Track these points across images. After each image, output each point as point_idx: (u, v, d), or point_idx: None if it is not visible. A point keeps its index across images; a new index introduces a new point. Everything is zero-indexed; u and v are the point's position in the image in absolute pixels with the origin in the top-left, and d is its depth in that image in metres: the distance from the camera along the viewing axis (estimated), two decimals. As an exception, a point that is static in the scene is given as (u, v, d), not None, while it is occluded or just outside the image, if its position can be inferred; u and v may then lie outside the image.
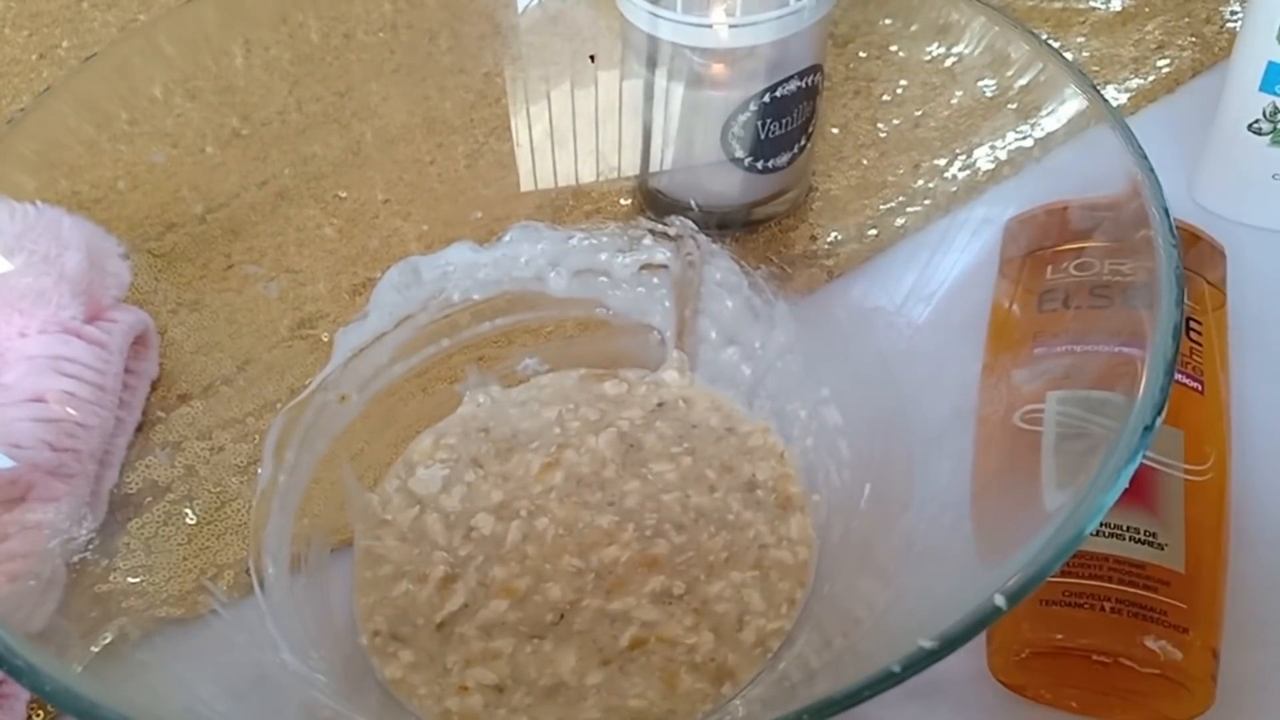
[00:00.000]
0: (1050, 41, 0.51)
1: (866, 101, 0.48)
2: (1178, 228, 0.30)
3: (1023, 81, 0.37)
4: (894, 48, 0.45)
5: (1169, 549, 0.33)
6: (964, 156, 0.41)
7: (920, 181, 0.43)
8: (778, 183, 0.45)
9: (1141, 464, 0.25)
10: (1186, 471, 0.34)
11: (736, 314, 0.42)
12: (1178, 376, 0.36)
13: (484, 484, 0.40)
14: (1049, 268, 0.37)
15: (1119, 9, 0.56)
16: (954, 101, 0.42)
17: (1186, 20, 0.55)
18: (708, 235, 0.43)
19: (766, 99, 0.42)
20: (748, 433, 0.41)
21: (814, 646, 0.34)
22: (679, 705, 0.34)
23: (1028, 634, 0.32)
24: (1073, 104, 0.34)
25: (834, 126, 0.48)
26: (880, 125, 0.47)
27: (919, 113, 0.44)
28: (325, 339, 0.42)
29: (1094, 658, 0.32)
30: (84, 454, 0.36)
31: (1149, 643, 0.31)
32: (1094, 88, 0.34)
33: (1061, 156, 0.36)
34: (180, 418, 0.39)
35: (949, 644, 0.23)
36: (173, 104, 0.40)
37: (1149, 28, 0.55)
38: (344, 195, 0.45)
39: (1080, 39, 0.55)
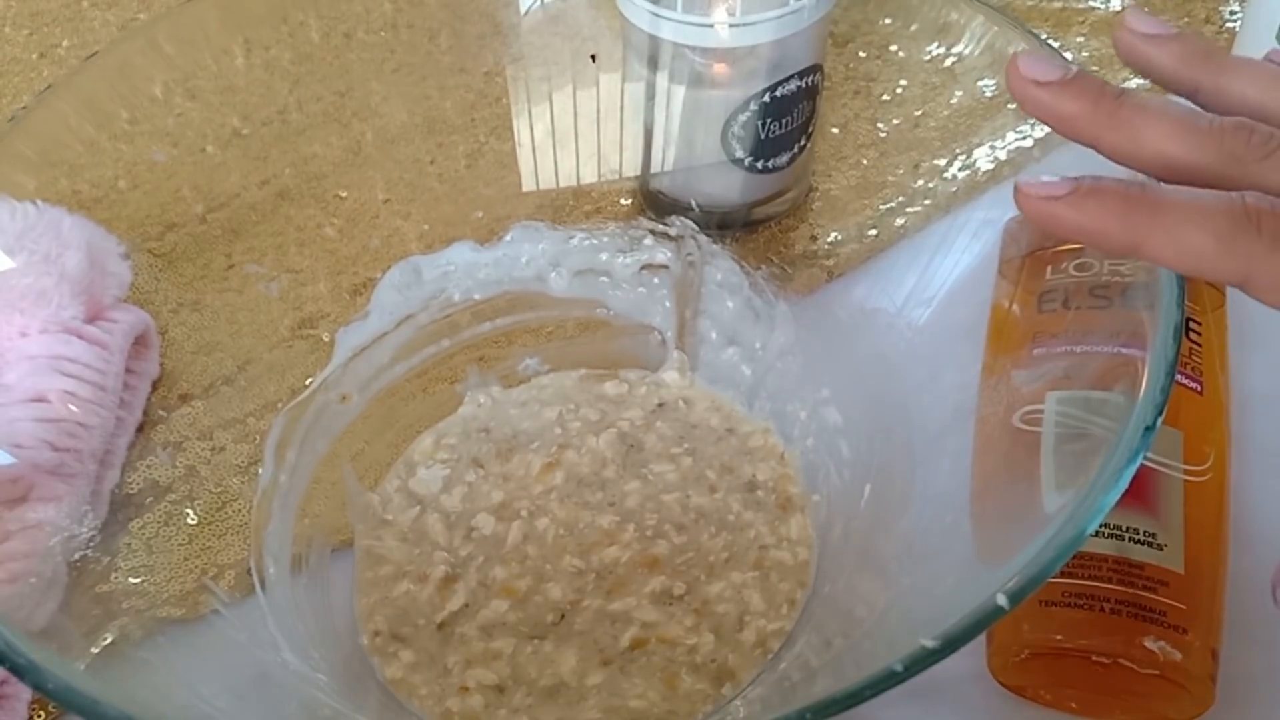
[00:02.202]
0: (1050, 41, 0.51)
1: (866, 101, 0.48)
2: (1178, 228, 0.30)
3: (1023, 82, 0.37)
4: (894, 47, 0.45)
5: (1168, 549, 0.33)
6: (964, 156, 0.41)
7: (920, 181, 0.43)
8: (778, 183, 0.45)
9: (1141, 464, 0.26)
10: (1186, 472, 0.34)
11: (737, 314, 0.42)
12: (1177, 377, 0.36)
13: (484, 484, 0.40)
14: (1048, 268, 0.37)
15: (1119, 9, 0.56)
16: (954, 101, 0.42)
17: (1186, 20, 0.55)
18: (708, 235, 0.43)
19: (767, 99, 0.42)
20: (748, 433, 0.41)
21: (814, 647, 0.34)
22: (679, 706, 0.34)
23: (1027, 635, 0.32)
24: (1073, 105, 0.34)
25: (834, 126, 0.48)
26: (880, 125, 0.47)
27: (919, 113, 0.44)
28: (326, 339, 0.42)
29: (1093, 658, 0.32)
30: (85, 454, 0.36)
31: (1148, 643, 0.31)
32: (1094, 88, 0.34)
33: (1061, 157, 0.36)
34: (181, 418, 0.39)
35: (951, 643, 0.23)
36: (173, 103, 0.40)
37: (1149, 28, 0.55)
38: (344, 195, 0.45)
39: (1080, 38, 0.55)
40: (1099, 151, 0.27)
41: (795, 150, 0.44)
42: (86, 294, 0.37)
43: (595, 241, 0.44)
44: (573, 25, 0.45)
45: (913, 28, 0.42)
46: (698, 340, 0.43)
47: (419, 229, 0.44)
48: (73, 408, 0.36)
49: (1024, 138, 0.38)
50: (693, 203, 0.45)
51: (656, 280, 0.44)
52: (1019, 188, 0.26)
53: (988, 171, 0.41)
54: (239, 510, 0.38)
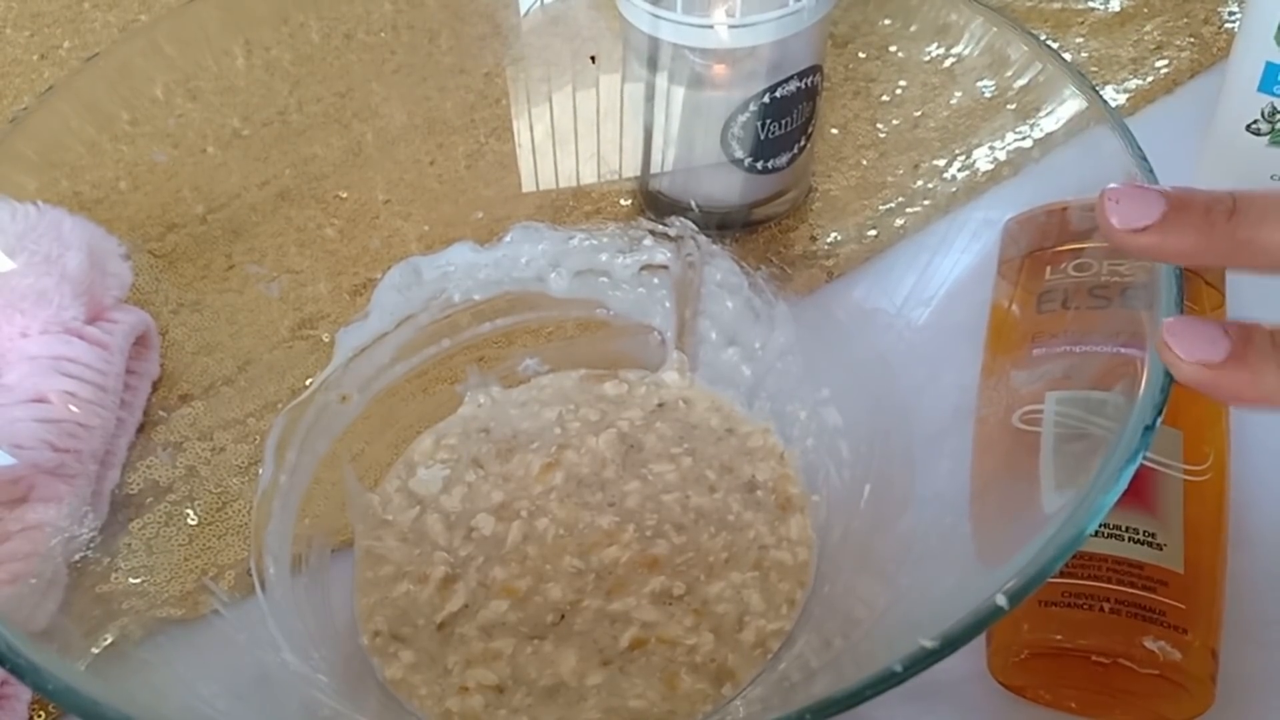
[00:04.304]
0: (1049, 42, 0.51)
1: (866, 102, 0.48)
2: (1177, 228, 0.30)
3: (1022, 82, 0.37)
4: (893, 48, 0.45)
5: (1168, 549, 0.33)
6: (963, 157, 0.41)
7: (920, 182, 0.43)
8: (778, 183, 0.45)
9: (1141, 464, 0.26)
10: (1185, 472, 0.34)
11: (737, 315, 0.43)
12: (1177, 377, 0.36)
13: (484, 484, 0.40)
14: (1048, 268, 0.37)
15: (1118, 9, 0.56)
16: (953, 102, 0.42)
17: (1185, 21, 0.55)
18: (708, 236, 0.43)
19: (766, 99, 0.42)
20: (748, 433, 0.41)
21: (814, 647, 0.34)
22: (679, 706, 0.34)
23: (1027, 635, 0.32)
24: (1072, 104, 0.34)
25: (834, 127, 0.48)
26: (880, 126, 0.47)
27: (918, 113, 0.44)
28: (326, 339, 0.42)
29: (1093, 658, 0.32)
30: (85, 454, 0.36)
31: (1148, 643, 0.31)
32: (1093, 88, 0.34)
33: (1060, 157, 0.36)
34: (181, 418, 0.39)
35: (950, 643, 0.23)
36: (174, 104, 0.40)
37: (1148, 28, 0.55)
38: (345, 195, 0.45)
39: (1079, 39, 0.55)
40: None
41: (795, 151, 0.45)
42: (87, 295, 0.38)
43: (595, 242, 0.44)
44: (572, 26, 0.45)
45: (912, 29, 0.42)
46: (697, 340, 0.43)
47: (419, 229, 0.44)
48: (73, 408, 0.36)
49: (1023, 138, 0.38)
50: (692, 203, 0.45)
51: (656, 280, 0.44)
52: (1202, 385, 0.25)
53: (987, 172, 0.41)
54: (239, 510, 0.38)
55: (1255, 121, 0.45)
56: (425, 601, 0.37)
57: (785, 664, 0.34)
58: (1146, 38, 0.55)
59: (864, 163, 0.47)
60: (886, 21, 0.44)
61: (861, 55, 0.50)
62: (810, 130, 0.45)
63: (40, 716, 0.35)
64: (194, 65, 0.41)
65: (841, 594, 0.35)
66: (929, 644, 0.23)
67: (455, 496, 0.40)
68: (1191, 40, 0.54)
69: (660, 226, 0.44)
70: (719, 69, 0.42)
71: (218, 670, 0.33)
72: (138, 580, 0.35)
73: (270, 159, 0.44)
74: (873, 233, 0.44)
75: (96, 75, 0.38)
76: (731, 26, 0.41)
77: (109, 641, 0.31)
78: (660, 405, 0.42)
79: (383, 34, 0.45)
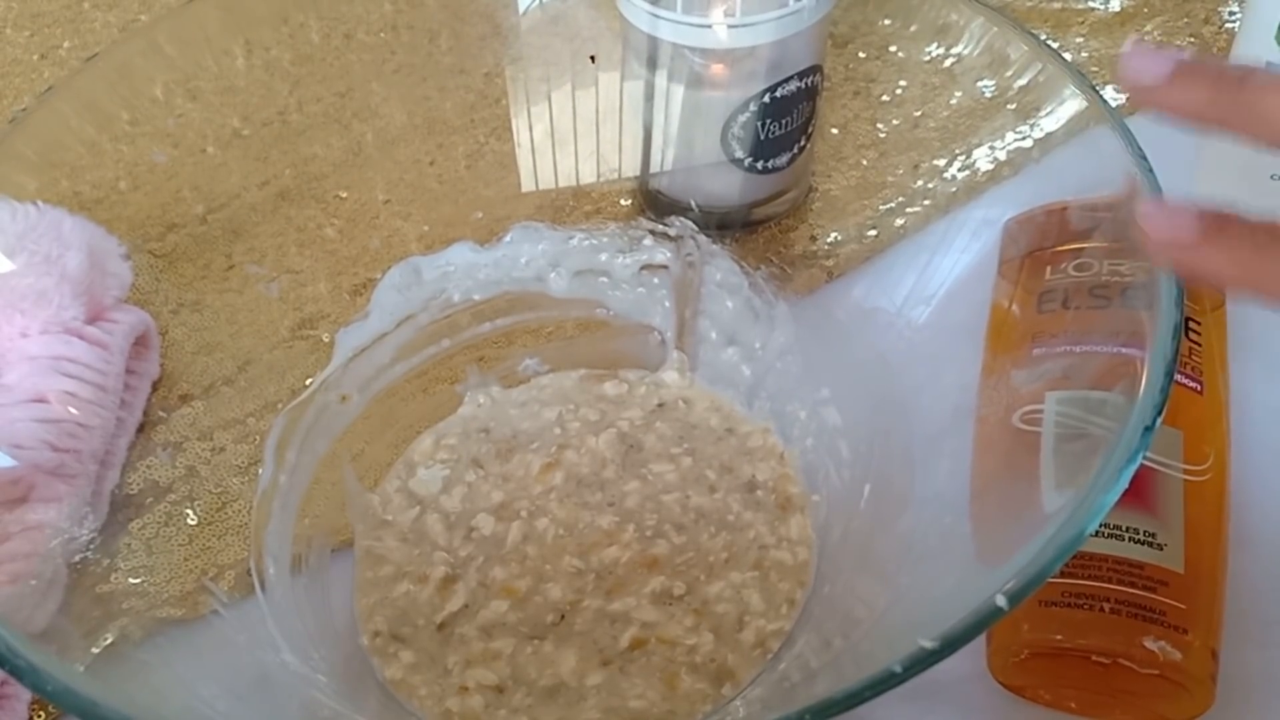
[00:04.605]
0: (1049, 42, 0.51)
1: (866, 102, 0.48)
2: (1177, 228, 0.30)
3: (1022, 82, 0.37)
4: (893, 48, 0.45)
5: (1168, 549, 0.33)
6: (963, 157, 0.41)
7: (920, 182, 0.43)
8: (778, 183, 0.45)
9: (1141, 464, 0.26)
10: (1186, 472, 0.34)
11: (736, 314, 0.43)
12: (1177, 377, 0.36)
13: (484, 484, 0.40)
14: (1048, 268, 0.37)
15: (1118, 9, 0.56)
16: (953, 102, 0.42)
17: (1185, 21, 0.55)
18: (708, 236, 0.43)
19: (766, 99, 0.42)
20: (747, 433, 0.41)
21: (814, 647, 0.34)
22: (679, 706, 0.34)
23: (1027, 635, 0.32)
24: (1072, 104, 0.34)
25: (834, 127, 0.48)
26: (880, 125, 0.47)
27: (918, 113, 0.44)
28: (326, 339, 0.42)
29: (1093, 658, 0.32)
30: (85, 454, 0.36)
31: (1148, 643, 0.31)
32: (1093, 88, 0.34)
33: (1061, 157, 0.36)
34: (181, 418, 0.39)
35: (950, 644, 0.23)
36: (174, 104, 0.40)
37: (1148, 28, 0.55)
38: (344, 195, 0.45)
39: (1079, 39, 0.55)
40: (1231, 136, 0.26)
41: (795, 151, 0.45)
42: (87, 295, 0.38)
43: (595, 242, 0.44)
44: (572, 26, 0.45)
45: (912, 28, 0.42)
46: (697, 340, 0.43)
47: (419, 229, 0.44)
48: (73, 409, 0.36)
49: (1023, 138, 0.38)
50: (692, 203, 0.45)
51: (656, 280, 0.44)
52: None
53: (987, 172, 0.41)
54: (239, 510, 0.38)
55: (1255, 121, 0.44)
56: (425, 601, 0.37)
57: (785, 664, 0.34)
58: (1147, 38, 0.55)
59: (864, 163, 0.47)
60: (886, 21, 0.44)
61: (861, 55, 0.50)
62: (810, 130, 0.45)
63: (40, 717, 0.35)
64: (194, 65, 0.41)
65: (841, 594, 0.35)
66: (929, 644, 0.23)
67: (455, 496, 0.40)
68: (1192, 40, 0.54)
69: (660, 226, 0.44)
70: (718, 69, 0.42)
71: (217, 671, 0.33)
72: (137, 580, 0.35)
73: (270, 159, 0.44)
74: (873, 233, 0.44)
75: (96, 75, 0.38)
76: (731, 26, 0.41)
77: (109, 642, 0.31)
78: (660, 405, 0.42)
79: (383, 34, 0.45)
